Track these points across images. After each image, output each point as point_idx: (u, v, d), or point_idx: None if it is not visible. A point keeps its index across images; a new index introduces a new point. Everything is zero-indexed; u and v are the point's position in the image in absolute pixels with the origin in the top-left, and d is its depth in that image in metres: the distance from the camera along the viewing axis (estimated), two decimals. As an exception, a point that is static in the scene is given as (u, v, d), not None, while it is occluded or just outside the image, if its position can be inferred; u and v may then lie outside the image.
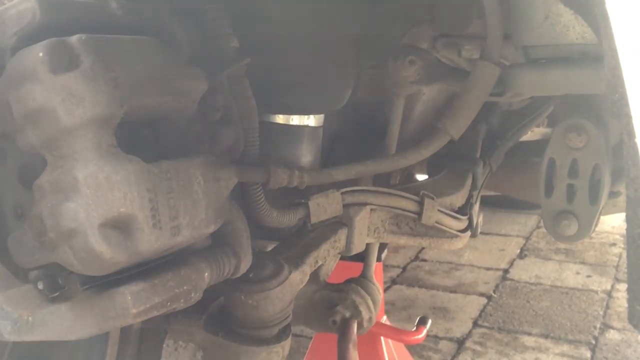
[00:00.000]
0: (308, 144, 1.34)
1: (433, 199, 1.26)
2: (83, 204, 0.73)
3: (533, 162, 1.33)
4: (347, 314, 1.31)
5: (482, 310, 2.69)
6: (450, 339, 2.48)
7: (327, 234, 1.22)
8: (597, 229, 1.26)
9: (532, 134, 1.78)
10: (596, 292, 2.80)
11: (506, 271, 3.06)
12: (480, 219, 1.48)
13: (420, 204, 1.24)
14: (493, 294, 2.83)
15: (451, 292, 2.84)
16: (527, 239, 3.41)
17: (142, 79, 0.81)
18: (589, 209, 1.19)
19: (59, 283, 0.82)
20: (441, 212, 1.28)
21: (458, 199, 1.38)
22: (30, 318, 0.79)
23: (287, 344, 1.13)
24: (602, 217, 1.27)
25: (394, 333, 1.83)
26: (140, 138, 0.88)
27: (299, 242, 1.22)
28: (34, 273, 0.82)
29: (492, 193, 1.31)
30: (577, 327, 2.52)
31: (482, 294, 2.83)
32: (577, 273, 2.99)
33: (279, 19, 1.18)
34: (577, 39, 0.92)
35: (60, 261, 0.77)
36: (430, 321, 1.74)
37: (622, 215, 0.87)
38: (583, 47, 0.94)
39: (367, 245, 1.36)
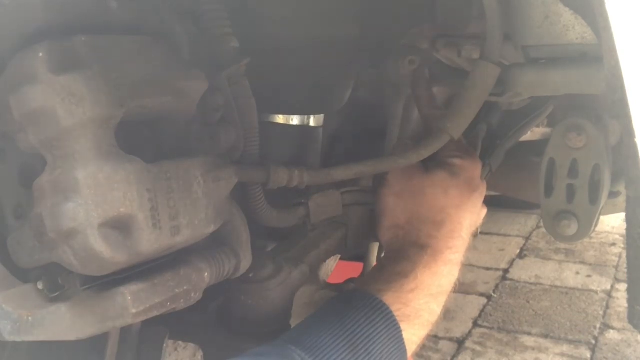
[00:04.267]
0: (308, 144, 1.34)
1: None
2: (83, 204, 0.73)
3: (533, 162, 1.32)
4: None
5: (482, 310, 2.70)
6: (450, 339, 2.48)
7: (327, 233, 1.22)
8: (597, 229, 1.25)
9: (532, 134, 1.78)
10: (596, 292, 2.80)
11: (506, 271, 3.06)
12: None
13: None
14: (493, 294, 2.83)
15: (451, 291, 2.84)
16: (527, 239, 3.41)
17: (142, 79, 0.81)
18: (589, 209, 1.19)
19: (59, 283, 0.82)
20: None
21: (458, 199, 1.37)
22: (30, 318, 0.79)
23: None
24: (602, 217, 1.27)
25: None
26: (140, 138, 0.88)
27: (299, 242, 1.22)
28: (34, 273, 0.82)
29: (492, 193, 1.30)
30: (577, 327, 2.52)
31: (482, 294, 2.83)
32: (577, 273, 2.98)
33: (279, 19, 1.18)
34: (577, 39, 0.92)
35: (60, 261, 0.77)
36: None
37: (622, 215, 0.87)
38: (583, 47, 0.94)
39: (367, 245, 1.36)
